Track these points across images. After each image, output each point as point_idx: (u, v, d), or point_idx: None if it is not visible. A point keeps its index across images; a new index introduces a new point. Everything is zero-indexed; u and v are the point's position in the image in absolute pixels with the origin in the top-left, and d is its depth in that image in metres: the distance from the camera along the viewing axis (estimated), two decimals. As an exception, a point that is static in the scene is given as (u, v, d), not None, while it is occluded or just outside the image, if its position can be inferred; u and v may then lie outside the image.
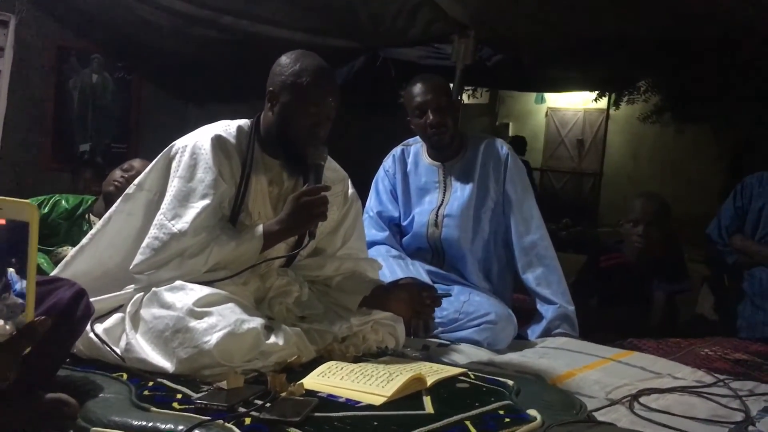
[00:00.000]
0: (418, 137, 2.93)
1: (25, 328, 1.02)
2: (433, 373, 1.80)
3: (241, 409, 1.48)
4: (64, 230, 2.97)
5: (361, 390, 1.64)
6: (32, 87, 4.86)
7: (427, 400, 1.62)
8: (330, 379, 1.71)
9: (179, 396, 1.58)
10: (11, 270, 1.01)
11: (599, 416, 1.79)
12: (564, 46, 4.55)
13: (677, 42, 4.38)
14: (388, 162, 3.00)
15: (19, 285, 1.02)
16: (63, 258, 2.13)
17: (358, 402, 1.59)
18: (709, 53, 4.63)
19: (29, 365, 1.43)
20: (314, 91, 2.00)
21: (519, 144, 7.97)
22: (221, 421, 1.42)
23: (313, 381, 1.69)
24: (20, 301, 1.02)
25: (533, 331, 2.80)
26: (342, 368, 1.78)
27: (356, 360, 1.94)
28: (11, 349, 1.01)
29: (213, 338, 1.68)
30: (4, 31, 4.53)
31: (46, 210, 2.97)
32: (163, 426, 1.42)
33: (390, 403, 1.58)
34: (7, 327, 1.01)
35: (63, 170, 4.89)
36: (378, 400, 1.58)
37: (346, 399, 1.60)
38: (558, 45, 4.55)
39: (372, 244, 2.78)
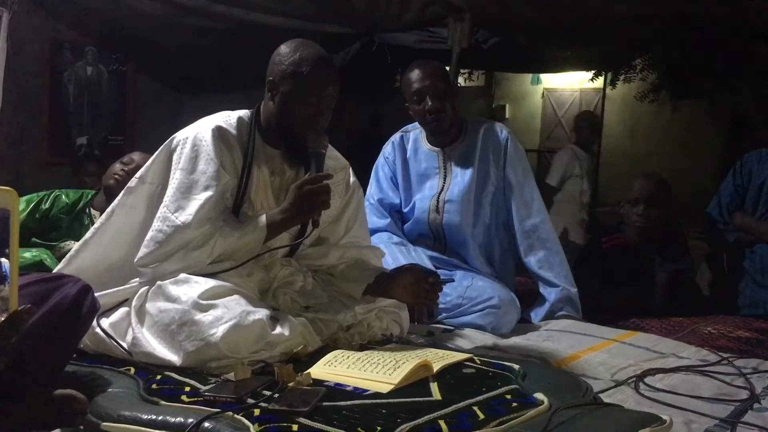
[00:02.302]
0: (416, 123, 2.92)
1: (11, 316, 1.01)
2: (439, 359, 1.81)
3: (250, 400, 1.49)
4: (65, 225, 2.97)
5: (368, 378, 1.64)
6: (27, 81, 4.84)
7: (434, 387, 1.63)
8: (337, 368, 1.71)
9: (187, 389, 1.59)
10: (5, 261, 1.01)
11: (605, 398, 1.80)
12: (559, 25, 4.55)
13: (673, 19, 4.37)
14: (387, 149, 2.99)
15: None
16: (66, 253, 2.13)
17: (366, 390, 1.59)
18: (705, 29, 4.62)
19: (37, 362, 1.45)
20: (315, 81, 1.99)
21: None
22: (230, 413, 1.42)
23: (319, 370, 1.70)
24: None
25: (536, 314, 2.81)
26: (348, 357, 1.78)
27: (362, 348, 1.95)
28: None
29: (219, 330, 1.69)
30: (-3, 25, 4.51)
31: (46, 205, 2.96)
32: (172, 419, 1.43)
33: (397, 391, 1.58)
34: (0, 318, 1.01)
35: (61, 164, 4.89)
36: (385, 388, 1.59)
37: (354, 387, 1.61)
38: (553, 25, 4.54)
39: (374, 231, 2.78)
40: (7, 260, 1.00)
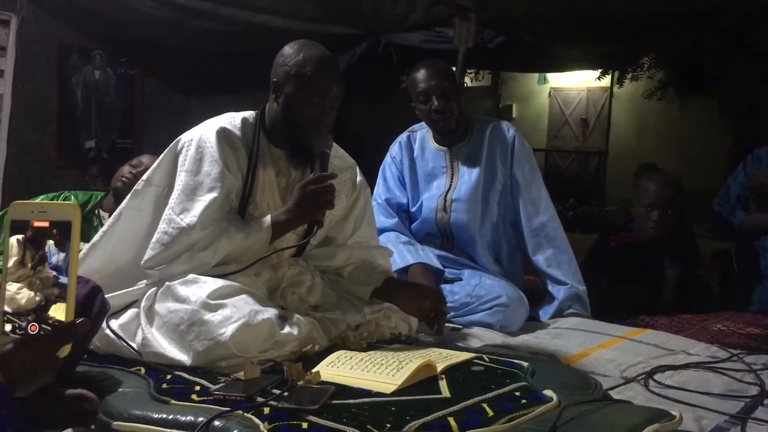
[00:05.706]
0: (423, 123, 2.92)
1: (67, 326, 1.04)
2: (443, 359, 1.80)
3: (259, 399, 1.49)
4: (74, 227, 2.97)
5: (370, 379, 1.63)
6: (36, 85, 4.87)
7: (443, 384, 1.63)
8: (340, 369, 1.70)
9: (197, 388, 1.59)
10: (50, 242, 1.06)
11: (614, 395, 1.79)
12: (566, 24, 4.53)
13: (680, 15, 4.35)
14: (394, 149, 2.99)
15: (55, 258, 1.06)
16: (75, 255, 2.14)
17: (370, 391, 1.59)
18: (711, 26, 4.60)
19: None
20: (318, 81, 1.99)
21: None
22: (240, 412, 1.43)
23: (322, 371, 1.68)
24: (53, 273, 1.07)
25: (545, 312, 2.81)
26: (351, 357, 1.78)
27: (369, 347, 1.95)
28: (51, 342, 1.03)
29: (228, 330, 1.69)
30: (6, 30, 4.54)
31: (55, 207, 2.97)
32: (183, 418, 1.43)
33: (407, 388, 1.58)
34: (37, 298, 1.05)
35: (70, 167, 4.92)
36: (388, 389, 1.58)
37: (358, 388, 1.61)
38: (560, 23, 4.53)
39: (381, 231, 2.78)
40: (52, 242, 1.07)
